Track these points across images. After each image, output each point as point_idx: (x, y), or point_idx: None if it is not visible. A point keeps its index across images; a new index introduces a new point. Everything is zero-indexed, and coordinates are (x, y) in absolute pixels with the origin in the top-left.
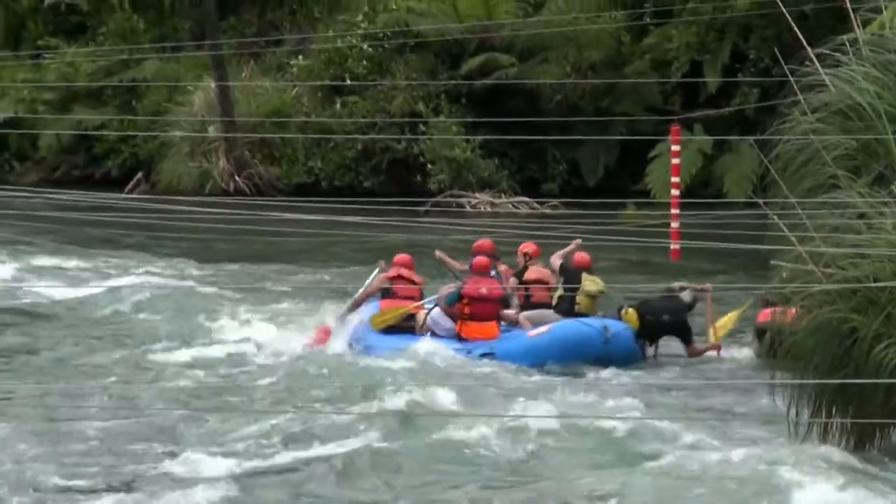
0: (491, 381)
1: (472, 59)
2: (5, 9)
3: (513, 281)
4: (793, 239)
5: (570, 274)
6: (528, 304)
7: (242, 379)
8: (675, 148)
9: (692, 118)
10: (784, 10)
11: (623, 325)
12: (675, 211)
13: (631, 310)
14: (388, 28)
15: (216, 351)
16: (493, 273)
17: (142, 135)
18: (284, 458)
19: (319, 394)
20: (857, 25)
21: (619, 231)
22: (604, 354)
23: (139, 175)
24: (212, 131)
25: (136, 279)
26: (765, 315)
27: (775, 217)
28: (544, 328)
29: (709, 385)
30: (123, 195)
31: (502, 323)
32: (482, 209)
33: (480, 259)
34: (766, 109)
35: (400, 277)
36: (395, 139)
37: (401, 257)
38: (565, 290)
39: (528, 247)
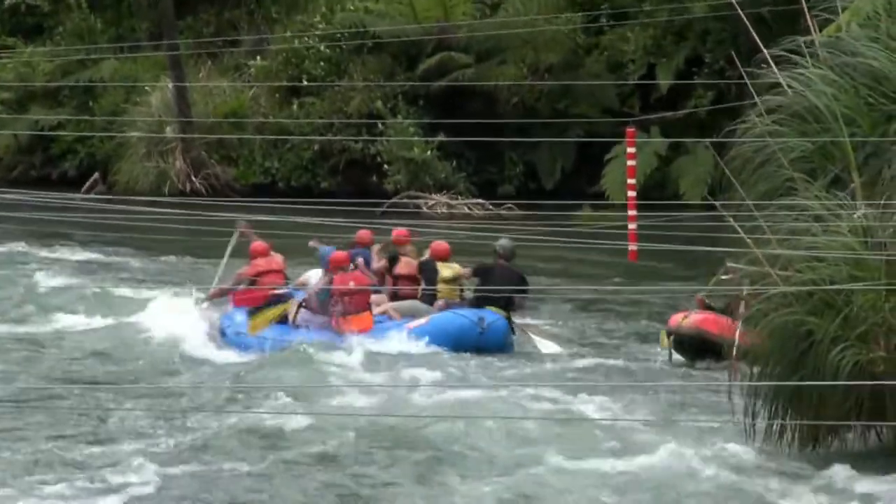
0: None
1: (429, 59)
2: None
3: (384, 263)
4: (749, 241)
5: (429, 265)
6: (395, 296)
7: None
8: (630, 150)
9: (649, 120)
10: (741, 12)
11: (497, 316)
12: (632, 213)
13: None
14: (345, 29)
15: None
16: (351, 267)
17: (99, 135)
18: (208, 460)
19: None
20: (814, 28)
21: (576, 233)
22: (480, 344)
23: (96, 175)
24: (169, 132)
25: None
26: (674, 319)
27: (731, 219)
28: (423, 320)
29: (663, 386)
30: (79, 195)
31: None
32: (439, 210)
33: (338, 254)
34: (722, 112)
35: (270, 271)
36: (353, 140)
37: (260, 245)
38: (424, 281)
39: (401, 233)
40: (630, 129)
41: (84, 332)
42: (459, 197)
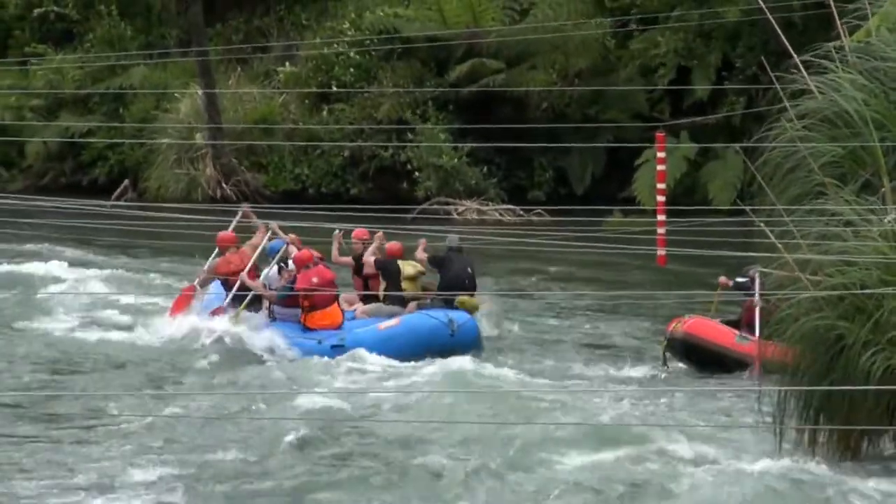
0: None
1: (459, 65)
2: None
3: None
4: (780, 246)
5: (387, 265)
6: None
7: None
8: (660, 155)
9: (678, 125)
10: (771, 17)
11: (467, 317)
12: (661, 217)
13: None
14: (374, 35)
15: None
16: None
17: (129, 142)
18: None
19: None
20: (844, 33)
21: (606, 238)
22: (451, 345)
23: (126, 182)
24: (199, 138)
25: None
26: (670, 325)
27: (762, 224)
28: (394, 321)
29: (695, 392)
30: (110, 202)
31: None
32: (469, 217)
33: (302, 253)
34: (752, 117)
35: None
36: (383, 146)
37: (227, 235)
38: (387, 286)
39: (362, 234)
40: (660, 134)
41: (108, 340)
42: (490, 203)
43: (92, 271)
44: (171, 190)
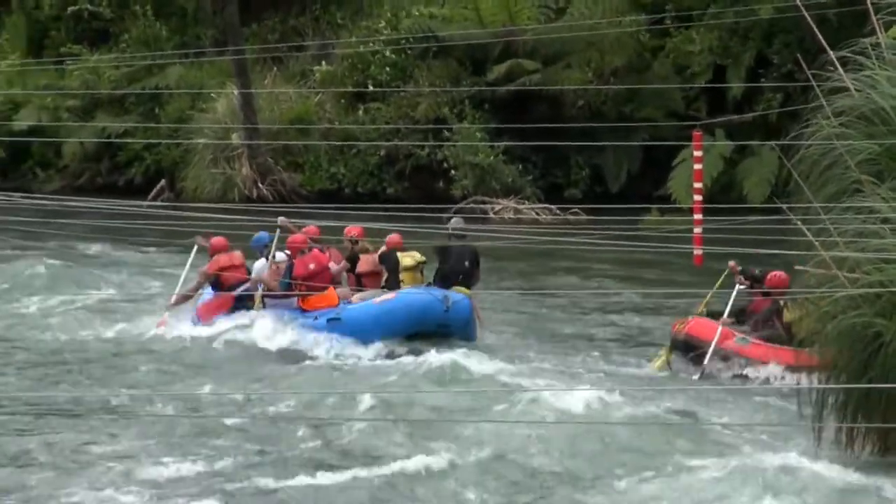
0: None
1: (497, 65)
2: (27, 17)
3: (344, 264)
4: (816, 244)
5: (390, 256)
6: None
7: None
8: (697, 154)
9: (714, 123)
10: (806, 13)
11: (461, 296)
12: (698, 216)
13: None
14: (410, 34)
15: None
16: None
17: (165, 142)
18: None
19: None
20: (880, 29)
21: (642, 237)
22: (444, 321)
23: (162, 182)
24: (235, 138)
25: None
26: (675, 326)
27: (799, 222)
28: (390, 294)
29: (730, 391)
30: (146, 203)
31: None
32: (505, 216)
33: (295, 237)
34: (788, 114)
35: (232, 266)
36: (419, 145)
37: (219, 241)
38: (386, 272)
39: (353, 231)
40: (697, 133)
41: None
42: (526, 202)
43: (126, 271)
44: (207, 190)
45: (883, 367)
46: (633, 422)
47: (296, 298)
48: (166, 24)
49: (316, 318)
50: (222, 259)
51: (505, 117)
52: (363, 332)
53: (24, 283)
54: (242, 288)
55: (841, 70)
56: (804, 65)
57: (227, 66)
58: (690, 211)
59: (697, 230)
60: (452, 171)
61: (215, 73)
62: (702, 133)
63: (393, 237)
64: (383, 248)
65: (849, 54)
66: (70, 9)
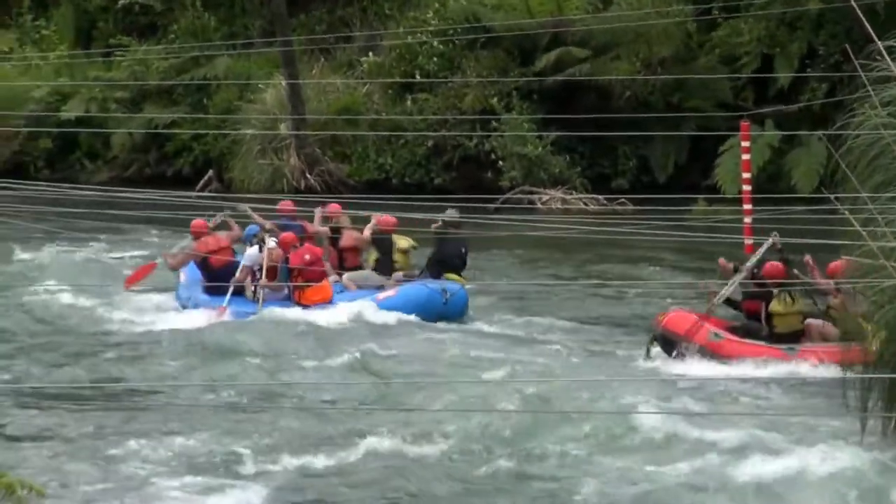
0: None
1: (546, 54)
2: (76, 8)
3: (326, 230)
4: (864, 234)
5: (382, 238)
6: (342, 267)
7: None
8: (745, 144)
9: (762, 114)
10: (854, 4)
11: (457, 287)
12: (747, 206)
13: None
14: (458, 24)
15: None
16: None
17: (213, 132)
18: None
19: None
20: None
21: (690, 227)
22: (443, 313)
23: (210, 173)
24: (283, 129)
25: None
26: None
27: (846, 212)
28: (391, 292)
29: (775, 381)
30: (195, 193)
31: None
32: (553, 206)
33: (288, 234)
34: (835, 104)
35: (220, 248)
36: (467, 136)
37: (200, 222)
38: (380, 253)
39: (336, 208)
40: (745, 123)
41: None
42: (573, 192)
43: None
44: (255, 180)
45: None
46: (662, 412)
47: (289, 292)
48: (214, 14)
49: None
50: (210, 241)
51: (552, 108)
52: None
53: (69, 273)
54: (234, 280)
55: (889, 59)
56: (852, 54)
57: (274, 57)
58: (738, 201)
59: (747, 220)
60: (500, 162)
61: (263, 63)
62: (749, 123)
63: (387, 218)
64: (376, 227)
65: None
66: (120, 2)
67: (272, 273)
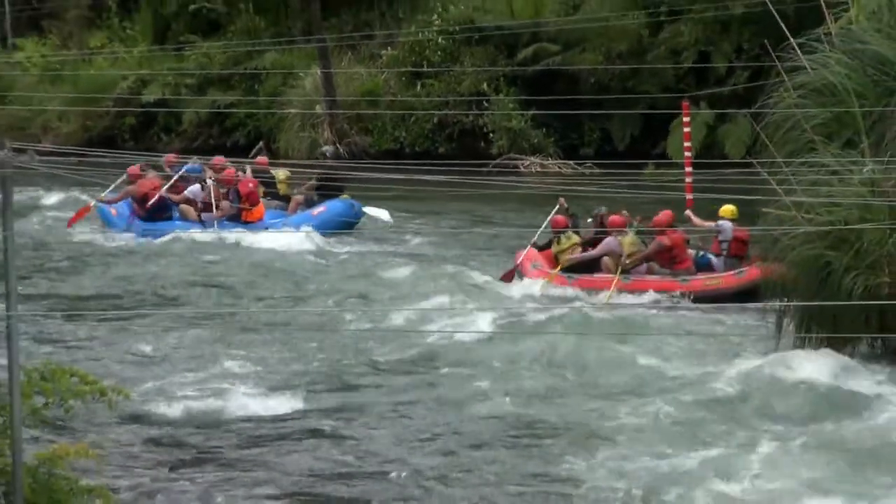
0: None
1: (526, 48)
2: (154, 12)
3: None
4: (780, 191)
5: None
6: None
7: None
8: (686, 119)
9: (699, 96)
10: (772, 8)
11: (357, 203)
12: (688, 169)
13: None
14: (457, 24)
15: None
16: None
17: (263, 111)
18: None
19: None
20: (831, 21)
21: (643, 186)
22: (354, 221)
23: (260, 143)
24: (318, 109)
25: None
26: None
27: (766, 174)
28: (322, 207)
29: (699, 308)
30: (247, 160)
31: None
32: (533, 170)
33: (230, 171)
34: (758, 88)
35: (155, 188)
36: (464, 114)
37: (134, 169)
38: (266, 186)
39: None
40: (685, 103)
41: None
42: (549, 158)
43: None
44: (296, 149)
45: (832, 289)
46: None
47: (237, 213)
48: (264, 17)
49: (266, 227)
50: (146, 183)
51: (532, 91)
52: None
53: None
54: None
55: (800, 52)
56: (770, 49)
57: (312, 52)
58: (681, 166)
59: (689, 181)
60: (491, 134)
61: (303, 57)
62: (689, 103)
63: (261, 159)
64: (255, 168)
65: (806, 41)
66: (191, 7)
67: (222, 199)
